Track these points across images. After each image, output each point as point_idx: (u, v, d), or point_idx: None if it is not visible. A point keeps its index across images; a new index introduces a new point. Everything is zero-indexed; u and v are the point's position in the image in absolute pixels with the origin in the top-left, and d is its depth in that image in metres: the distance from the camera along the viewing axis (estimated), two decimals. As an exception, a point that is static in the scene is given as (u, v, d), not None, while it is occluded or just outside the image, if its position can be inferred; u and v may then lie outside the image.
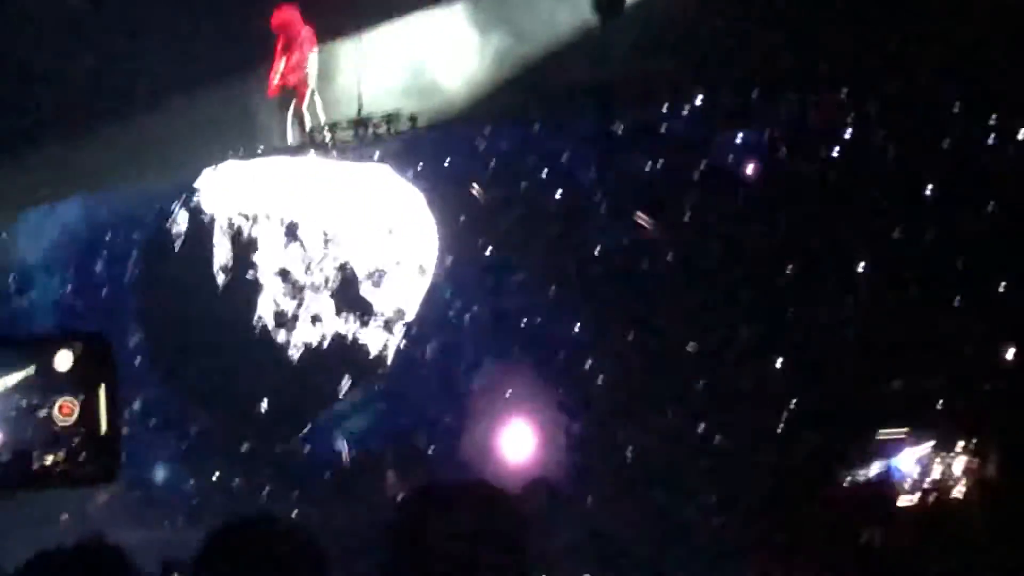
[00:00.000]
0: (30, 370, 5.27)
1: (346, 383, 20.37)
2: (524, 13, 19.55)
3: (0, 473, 5.16)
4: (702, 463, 17.89)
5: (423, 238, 20.12)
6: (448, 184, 19.80)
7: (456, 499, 4.82)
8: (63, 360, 5.28)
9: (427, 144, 19.98)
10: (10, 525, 12.48)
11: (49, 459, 5.21)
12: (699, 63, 18.46)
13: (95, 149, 19.58)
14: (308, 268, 20.58)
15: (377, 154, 20.01)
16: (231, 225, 20.85)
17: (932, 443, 16.31)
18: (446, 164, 19.92)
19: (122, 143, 19.46)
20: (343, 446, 20.20)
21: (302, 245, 20.61)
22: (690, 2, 18.26)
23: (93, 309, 21.83)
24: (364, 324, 20.31)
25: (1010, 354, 17.25)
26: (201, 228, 21.08)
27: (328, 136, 19.61)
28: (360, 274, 20.38)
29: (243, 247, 20.89)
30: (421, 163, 20.06)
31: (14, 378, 5.26)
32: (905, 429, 16.67)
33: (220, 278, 20.93)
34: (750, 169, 18.74)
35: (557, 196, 19.33)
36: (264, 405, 20.61)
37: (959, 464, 16.09)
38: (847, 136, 18.38)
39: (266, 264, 20.77)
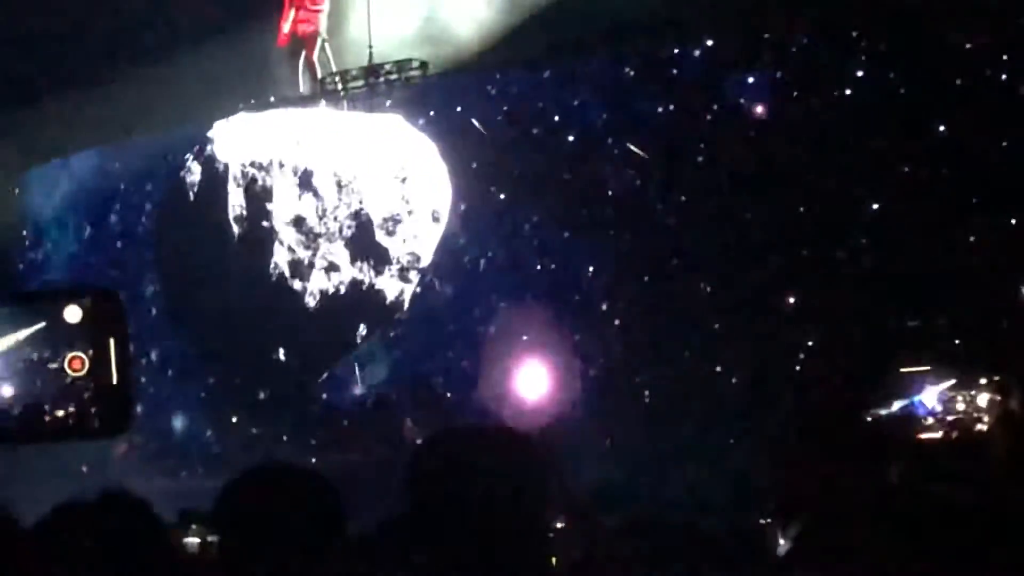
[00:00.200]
0: (41, 324, 5.31)
1: (362, 330, 20.42)
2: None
3: (13, 425, 5.21)
4: (719, 402, 17.93)
5: (436, 185, 20.11)
6: (460, 131, 19.76)
7: (473, 443, 4.84)
8: (73, 314, 5.32)
9: (439, 91, 19.94)
10: (32, 477, 12.58)
11: (61, 411, 5.26)
12: (710, 6, 18.38)
13: (107, 102, 19.56)
14: (322, 216, 20.61)
15: (389, 102, 19.97)
16: (245, 175, 20.89)
17: (954, 380, 16.34)
18: (458, 111, 19.88)
19: (134, 96, 19.43)
20: (360, 393, 20.29)
21: (316, 194, 20.63)
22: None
23: (107, 261, 21.91)
24: (379, 271, 20.34)
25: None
26: (215, 179, 21.12)
27: (339, 84, 19.57)
28: (374, 221, 20.39)
29: (257, 197, 20.93)
30: (433, 110, 20.03)
31: (25, 332, 5.30)
32: (926, 367, 16.70)
33: (235, 228, 20.99)
34: (762, 111, 18.69)
35: (569, 141, 19.30)
36: (281, 353, 20.68)
37: (982, 399, 16.12)
38: (858, 75, 18.31)
39: (280, 213, 20.81)
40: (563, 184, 19.20)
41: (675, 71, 19.13)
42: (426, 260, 20.12)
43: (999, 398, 15.97)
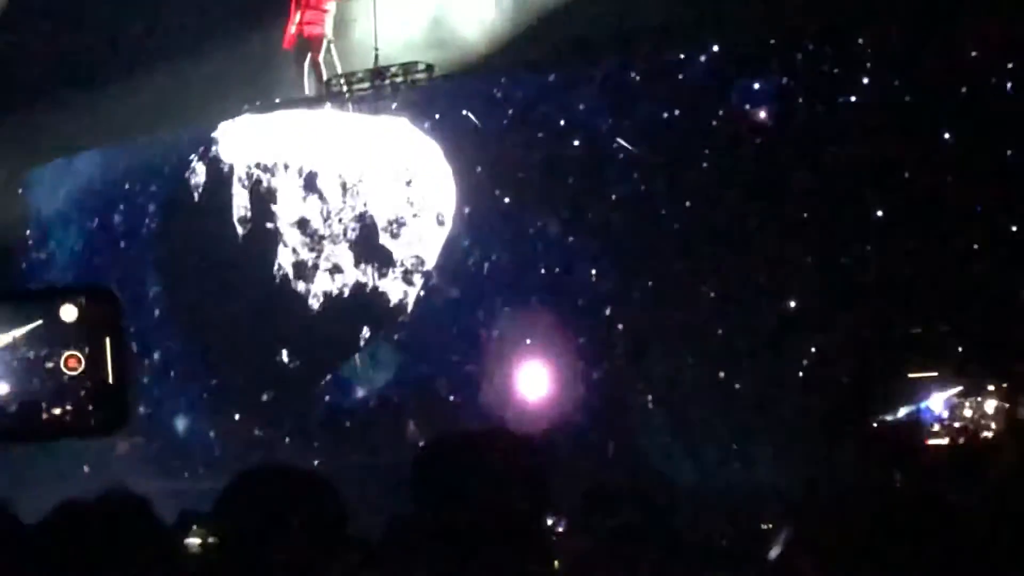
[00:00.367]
0: (36, 322, 5.29)
1: (366, 332, 20.41)
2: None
3: (8, 424, 5.20)
4: (724, 407, 17.94)
5: (441, 188, 20.10)
6: (465, 134, 19.76)
7: (476, 446, 4.84)
8: (69, 312, 5.30)
9: (444, 94, 19.94)
10: (32, 478, 12.57)
11: (57, 410, 5.24)
12: (716, 11, 18.39)
13: (112, 102, 19.59)
14: (327, 218, 20.61)
15: (394, 105, 19.98)
16: (249, 176, 20.90)
17: (961, 387, 16.34)
18: (463, 114, 19.87)
19: (139, 96, 19.46)
20: (363, 395, 20.28)
21: (320, 196, 20.64)
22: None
23: (111, 261, 21.93)
24: (383, 274, 20.33)
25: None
26: (219, 179, 21.14)
27: (345, 86, 19.59)
28: (379, 224, 20.38)
29: (261, 198, 20.94)
30: (438, 113, 20.02)
31: (20, 330, 5.28)
32: (933, 372, 16.70)
33: (239, 229, 21.00)
34: (767, 117, 18.68)
35: (574, 145, 19.28)
36: (284, 355, 20.68)
37: (989, 406, 16.12)
38: (864, 82, 18.31)
39: (285, 215, 20.82)
40: (568, 188, 19.20)
41: (681, 76, 19.12)
42: (430, 263, 20.11)
43: (1007, 404, 15.99)
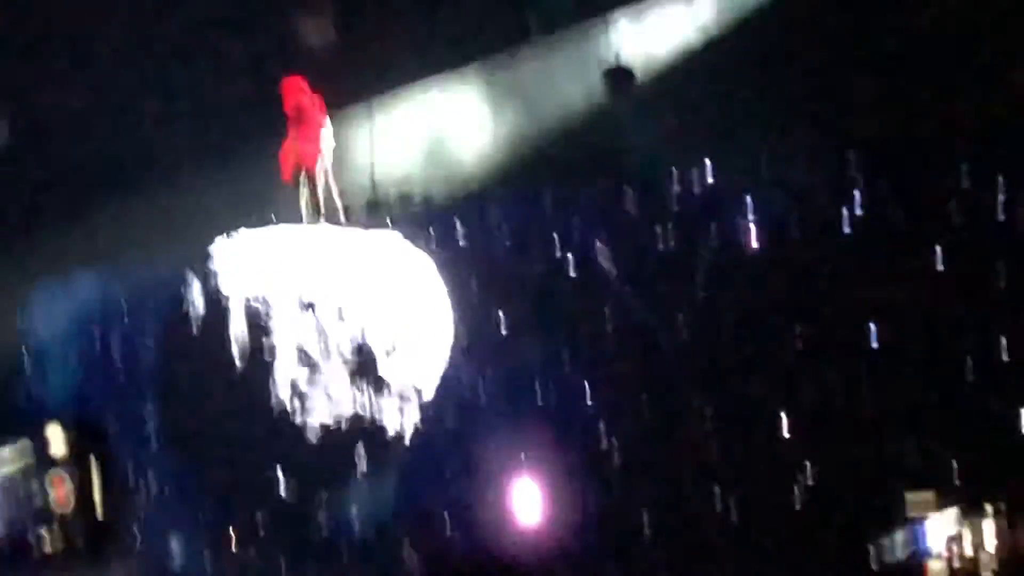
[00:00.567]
0: (25, 450, 5.28)
1: (362, 456, 20.35)
2: (537, 85, 19.63)
3: None
4: (719, 530, 17.88)
5: (438, 311, 20.12)
6: (462, 256, 19.82)
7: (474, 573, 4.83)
8: (57, 441, 5.29)
9: (440, 219, 20.02)
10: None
11: (45, 540, 5.22)
12: (707, 136, 18.56)
13: (110, 224, 19.63)
14: (324, 344, 20.58)
15: (391, 229, 20.06)
16: (246, 299, 20.88)
17: (958, 507, 16.33)
18: (460, 236, 19.95)
19: (138, 218, 19.50)
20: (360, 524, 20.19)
21: (318, 320, 20.61)
22: (697, 77, 18.35)
23: (108, 385, 21.83)
24: (380, 398, 20.28)
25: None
26: (216, 303, 21.05)
27: (342, 216, 19.65)
28: (376, 348, 20.36)
29: (258, 322, 20.90)
30: (435, 238, 20.10)
31: (7, 458, 5.27)
32: (930, 493, 16.71)
33: (235, 350, 20.93)
34: (760, 235, 18.78)
35: (569, 266, 19.36)
36: (280, 483, 20.59)
37: (987, 527, 16.08)
38: (857, 211, 18.47)
39: (281, 339, 20.76)
40: (563, 311, 19.23)
41: (675, 201, 19.23)
42: (426, 387, 20.06)
43: (1004, 525, 15.94)
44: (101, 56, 18.22)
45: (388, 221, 19.97)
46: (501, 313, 19.65)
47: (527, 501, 18.88)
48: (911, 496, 17.42)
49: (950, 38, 17.51)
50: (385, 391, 20.11)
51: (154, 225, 19.57)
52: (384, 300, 20.13)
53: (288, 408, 20.12)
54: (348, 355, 20.26)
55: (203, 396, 20.50)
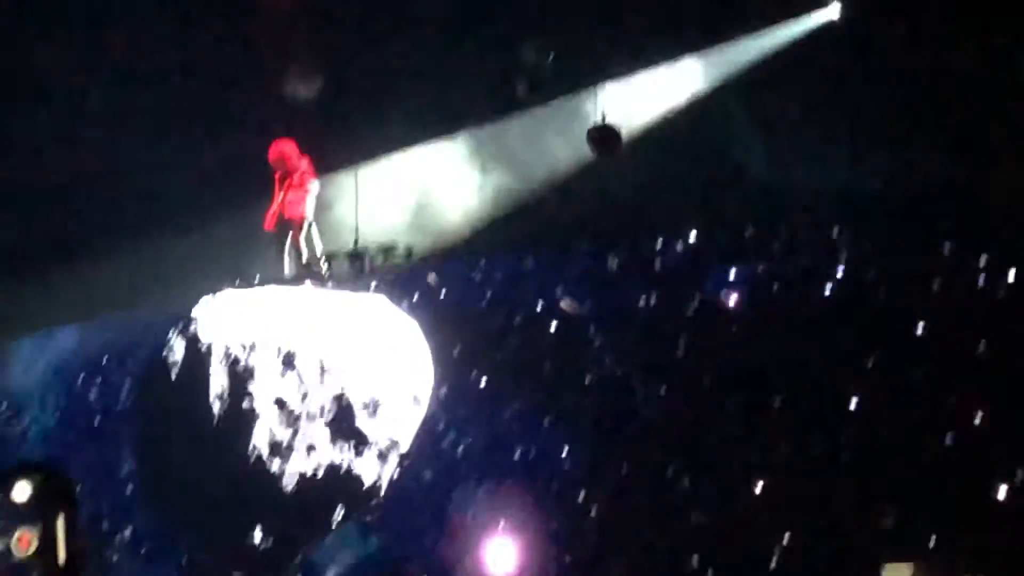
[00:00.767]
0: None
1: (339, 513, 20.34)
2: (523, 149, 19.71)
3: None
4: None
5: (418, 369, 20.18)
6: (444, 316, 19.88)
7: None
8: (21, 491, 5.33)
9: (423, 276, 20.10)
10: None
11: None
12: (693, 200, 18.65)
13: (92, 277, 19.65)
14: (304, 397, 20.60)
15: (373, 285, 20.12)
16: (228, 354, 20.88)
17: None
18: (442, 296, 20.03)
19: (119, 271, 19.51)
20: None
21: (298, 375, 20.63)
22: (684, 141, 18.46)
23: (87, 436, 21.84)
24: (359, 454, 20.31)
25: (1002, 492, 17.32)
26: (198, 356, 21.07)
27: (325, 267, 19.71)
28: (355, 404, 20.40)
29: (239, 376, 20.91)
30: (417, 295, 20.17)
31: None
32: (908, 564, 16.69)
33: (216, 406, 20.92)
34: (743, 304, 18.86)
35: (551, 328, 19.43)
36: (257, 534, 20.56)
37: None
38: (838, 274, 18.53)
39: (262, 393, 20.76)
40: (544, 372, 19.30)
41: (658, 263, 19.31)
42: (405, 444, 20.11)
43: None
44: (85, 114, 18.28)
45: (372, 283, 20.00)
46: (481, 371, 19.70)
47: (502, 556, 18.88)
48: (888, 568, 17.44)
49: (931, 107, 17.65)
50: (363, 444, 20.13)
51: (137, 281, 19.58)
52: (365, 357, 20.18)
53: (266, 459, 20.12)
54: (327, 407, 20.28)
55: (181, 449, 20.49)
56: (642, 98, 18.87)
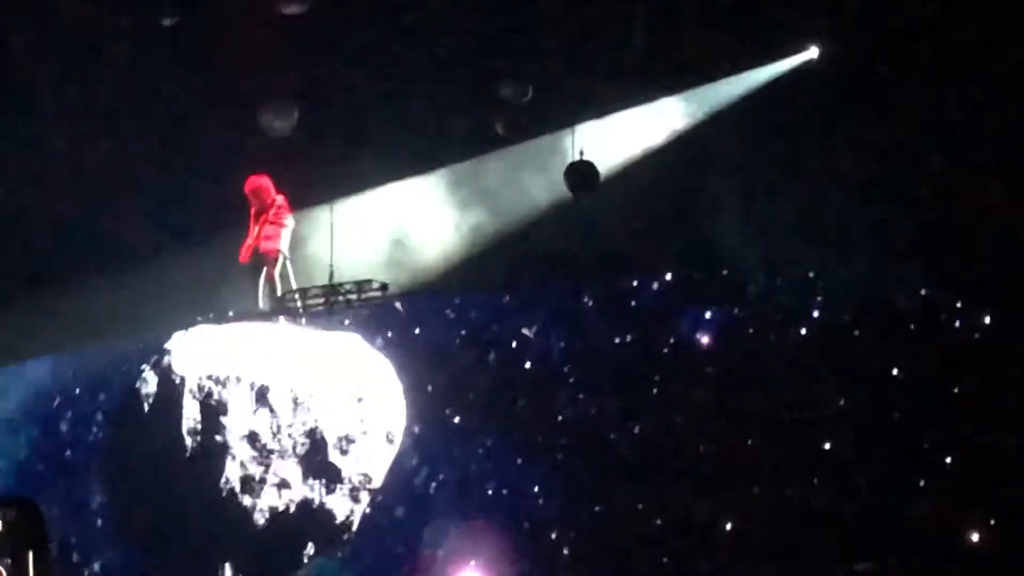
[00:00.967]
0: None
1: (310, 549, 20.28)
2: (500, 186, 19.71)
3: None
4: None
5: (391, 406, 20.16)
6: (417, 352, 19.87)
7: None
8: (-8, 522, 5.28)
9: (397, 312, 20.08)
10: None
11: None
12: (670, 240, 18.66)
13: (65, 309, 19.58)
14: (276, 433, 20.55)
15: (347, 321, 20.09)
16: (201, 388, 20.83)
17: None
18: (416, 333, 20.01)
19: (92, 304, 19.45)
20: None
21: (271, 410, 20.59)
22: (661, 180, 18.48)
23: (57, 469, 21.73)
24: (331, 491, 20.27)
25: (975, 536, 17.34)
26: (170, 390, 21.01)
27: (299, 302, 19.66)
28: (328, 440, 20.37)
29: (212, 410, 20.84)
30: (391, 331, 20.15)
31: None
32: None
33: (188, 441, 20.87)
34: (717, 345, 18.89)
35: (525, 366, 19.43)
36: (228, 570, 20.48)
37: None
38: (815, 314, 18.57)
39: (235, 428, 20.73)
40: (518, 410, 19.28)
41: (634, 303, 19.33)
42: (378, 481, 20.08)
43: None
44: (59, 146, 18.23)
45: (345, 319, 19.98)
46: (455, 408, 19.69)
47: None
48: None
49: (911, 148, 17.72)
50: (336, 480, 20.10)
51: (110, 314, 19.50)
52: (338, 393, 20.16)
53: (238, 494, 20.06)
54: (300, 443, 20.24)
55: (153, 483, 20.41)
56: (620, 137, 18.87)
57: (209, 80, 17.99)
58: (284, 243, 19.31)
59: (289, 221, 19.29)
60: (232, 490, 20.42)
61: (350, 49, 17.92)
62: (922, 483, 18.18)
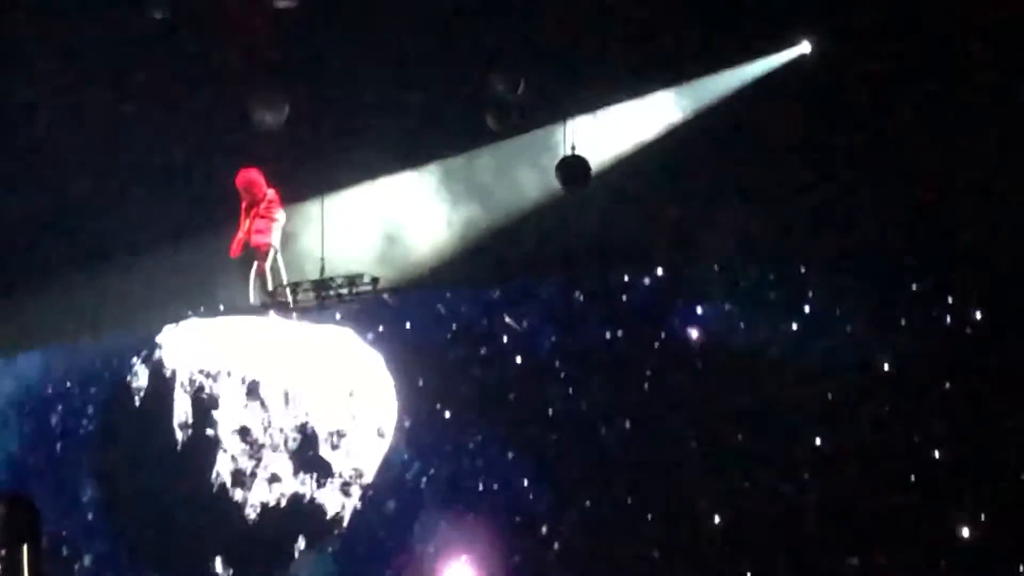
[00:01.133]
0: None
1: (301, 543, 20.26)
2: (492, 181, 19.71)
3: None
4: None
5: (382, 401, 20.15)
6: (408, 348, 19.86)
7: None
8: (-12, 515, 5.27)
9: (388, 307, 20.06)
10: None
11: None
12: (661, 236, 18.66)
13: (56, 303, 19.56)
14: (267, 427, 20.53)
15: (339, 316, 20.07)
16: (192, 382, 20.80)
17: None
18: (407, 327, 20.00)
19: (83, 298, 19.44)
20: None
21: (262, 404, 20.57)
22: (653, 175, 18.49)
23: (47, 463, 21.70)
24: (321, 485, 20.26)
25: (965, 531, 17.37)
26: (161, 384, 20.98)
27: (290, 296, 19.65)
28: (319, 435, 20.36)
29: (203, 404, 20.82)
30: (382, 326, 20.13)
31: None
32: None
33: (179, 435, 20.84)
34: (708, 340, 18.90)
35: (516, 362, 19.43)
36: (218, 564, 20.47)
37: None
38: (806, 309, 18.58)
39: (226, 422, 20.71)
40: (509, 404, 19.28)
41: (625, 297, 19.33)
42: (369, 475, 20.07)
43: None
44: (47, 142, 18.21)
45: (336, 313, 19.96)
46: (446, 403, 19.69)
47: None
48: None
49: (901, 143, 17.74)
50: (326, 475, 20.08)
51: (101, 308, 19.48)
52: (330, 388, 20.14)
53: (228, 488, 20.04)
54: (291, 437, 20.22)
55: (143, 477, 20.39)
56: (612, 131, 18.88)
57: (200, 73, 17.97)
58: (275, 237, 19.29)
59: (280, 215, 19.27)
60: (223, 484, 20.40)
61: (341, 43, 17.91)
62: (912, 478, 18.21)
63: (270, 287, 19.34)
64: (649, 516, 18.79)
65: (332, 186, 19.50)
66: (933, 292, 18.69)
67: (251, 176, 18.93)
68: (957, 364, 18.26)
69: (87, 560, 20.57)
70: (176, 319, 20.43)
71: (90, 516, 20.74)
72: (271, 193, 19.04)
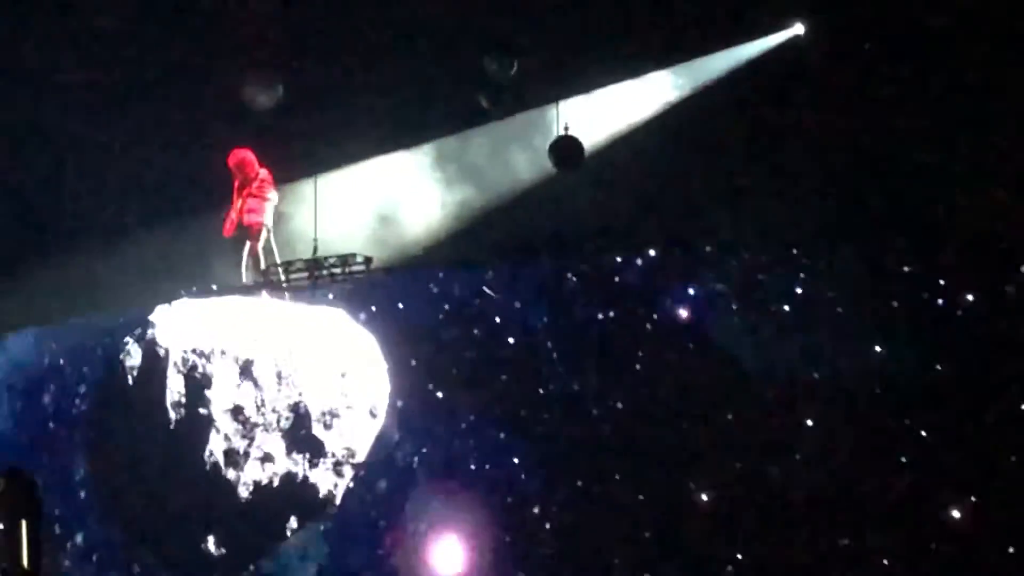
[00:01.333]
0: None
1: (293, 523, 20.29)
2: (485, 161, 19.72)
3: None
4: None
5: (375, 381, 20.17)
6: (401, 328, 19.88)
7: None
8: (-13, 491, 5.29)
9: (381, 287, 20.07)
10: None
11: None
12: (654, 217, 18.67)
13: (49, 282, 19.56)
14: (260, 406, 20.55)
15: (331, 296, 20.08)
16: (185, 361, 20.82)
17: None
18: (400, 308, 20.02)
19: (76, 277, 19.43)
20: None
21: (255, 384, 20.59)
22: (646, 156, 18.49)
23: (40, 441, 21.71)
24: (314, 464, 20.28)
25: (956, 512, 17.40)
26: (154, 363, 20.99)
27: (282, 276, 19.66)
28: (312, 414, 20.39)
29: (196, 383, 20.84)
30: (375, 306, 20.15)
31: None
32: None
33: (172, 414, 20.84)
34: (701, 321, 18.92)
35: (509, 342, 19.44)
36: (210, 543, 20.49)
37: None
38: (798, 291, 18.60)
39: (219, 401, 20.72)
40: (501, 385, 19.31)
41: (617, 279, 19.34)
42: (361, 455, 20.10)
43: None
44: (40, 121, 18.19)
45: (329, 293, 19.97)
46: (438, 383, 19.71)
47: (454, 565, 18.97)
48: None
49: (892, 129, 17.76)
50: (319, 455, 20.11)
51: (94, 287, 19.48)
52: (322, 367, 20.17)
53: (221, 467, 20.06)
54: (284, 417, 20.25)
55: (136, 456, 20.40)
56: (605, 112, 18.88)
57: (192, 53, 17.96)
58: (268, 216, 19.30)
59: (273, 195, 19.28)
60: (216, 463, 20.43)
61: (334, 23, 17.90)
62: (903, 459, 18.23)
63: (263, 267, 19.36)
64: (640, 496, 18.82)
65: (325, 166, 19.50)
66: (925, 274, 18.70)
67: (244, 156, 18.94)
68: (946, 345, 18.28)
69: (79, 538, 20.60)
70: (169, 298, 20.43)
71: (82, 495, 20.77)
72: (264, 173, 19.06)
